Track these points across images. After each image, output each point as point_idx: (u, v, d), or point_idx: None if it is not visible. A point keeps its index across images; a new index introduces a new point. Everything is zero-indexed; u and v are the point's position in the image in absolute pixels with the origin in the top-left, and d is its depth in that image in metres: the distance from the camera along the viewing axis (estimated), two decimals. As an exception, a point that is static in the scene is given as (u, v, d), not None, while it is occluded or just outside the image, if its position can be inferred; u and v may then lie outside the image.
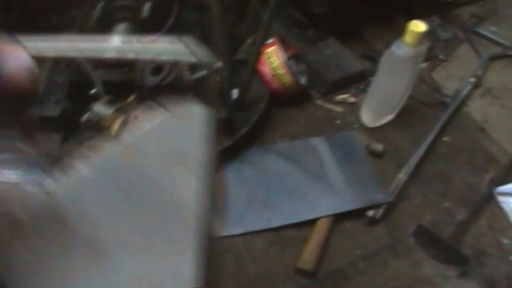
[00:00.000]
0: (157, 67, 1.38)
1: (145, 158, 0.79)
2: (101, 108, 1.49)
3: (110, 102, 1.47)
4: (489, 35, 2.17)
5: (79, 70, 1.52)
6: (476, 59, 2.08)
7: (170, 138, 0.85)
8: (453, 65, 2.05)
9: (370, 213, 1.54)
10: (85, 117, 1.47)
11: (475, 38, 2.17)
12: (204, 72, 1.45)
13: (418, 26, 1.55)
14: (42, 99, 1.50)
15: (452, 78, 2.00)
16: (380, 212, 1.54)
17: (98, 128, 1.50)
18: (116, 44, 1.02)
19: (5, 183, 0.57)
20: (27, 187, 0.64)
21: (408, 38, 1.55)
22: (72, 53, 0.51)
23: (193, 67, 1.52)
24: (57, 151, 1.50)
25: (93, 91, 1.50)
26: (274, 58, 1.68)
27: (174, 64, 1.39)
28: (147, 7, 1.61)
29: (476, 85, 1.98)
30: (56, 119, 1.48)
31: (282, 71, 1.68)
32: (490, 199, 1.67)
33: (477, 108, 1.93)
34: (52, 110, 1.49)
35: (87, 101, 1.52)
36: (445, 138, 1.80)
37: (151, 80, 1.44)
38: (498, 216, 1.66)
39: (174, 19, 1.65)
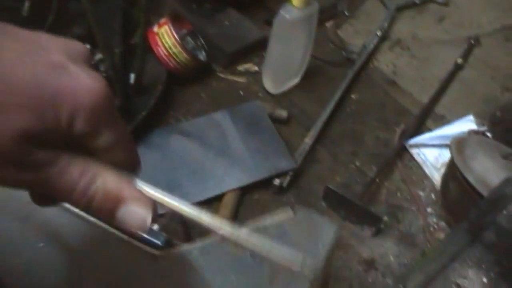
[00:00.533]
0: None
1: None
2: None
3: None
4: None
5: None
6: (383, 12, 2.05)
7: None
8: (359, 20, 2.01)
9: (277, 181, 1.50)
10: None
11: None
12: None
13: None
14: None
15: (359, 33, 1.96)
16: (287, 179, 1.51)
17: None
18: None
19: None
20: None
21: (295, 0, 1.51)
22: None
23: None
24: None
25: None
26: (167, 37, 1.63)
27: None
28: (26, 6, 1.56)
29: (384, 38, 1.95)
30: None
31: (177, 49, 1.63)
32: (402, 152, 1.65)
33: (386, 61, 1.90)
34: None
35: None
36: (353, 96, 1.77)
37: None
38: (412, 169, 1.64)
39: (55, 15, 1.60)
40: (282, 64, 1.67)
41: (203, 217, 0.48)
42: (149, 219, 0.45)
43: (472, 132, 1.62)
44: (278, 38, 1.60)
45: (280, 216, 0.85)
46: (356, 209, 1.48)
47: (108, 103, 0.41)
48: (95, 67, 1.46)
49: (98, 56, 1.45)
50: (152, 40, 1.66)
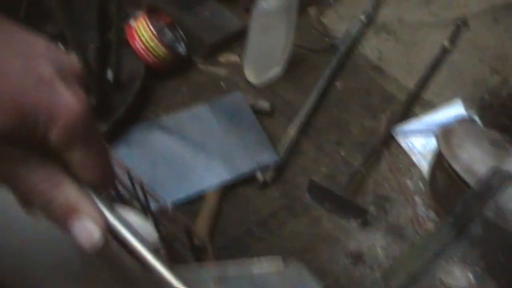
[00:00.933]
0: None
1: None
2: None
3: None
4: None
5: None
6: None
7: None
8: (344, 5, 1.96)
9: (259, 175, 1.47)
10: None
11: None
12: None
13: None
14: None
15: (343, 19, 1.92)
16: (270, 173, 1.48)
17: None
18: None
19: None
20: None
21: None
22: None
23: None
24: None
25: None
26: (143, 31, 1.59)
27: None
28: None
29: (369, 23, 1.90)
30: None
31: (154, 42, 1.58)
32: (389, 141, 1.62)
33: (371, 47, 1.86)
34: None
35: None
36: (338, 83, 1.73)
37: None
38: (399, 157, 1.61)
39: (25, 11, 1.55)
40: (263, 54, 1.63)
41: (157, 266, 0.46)
42: (98, 240, 0.45)
43: (460, 120, 1.57)
44: (258, 27, 1.56)
45: (269, 266, 0.82)
46: (340, 201, 1.45)
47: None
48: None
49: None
50: (129, 34, 1.61)
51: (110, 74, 1.54)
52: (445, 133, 1.44)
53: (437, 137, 1.44)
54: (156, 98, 1.64)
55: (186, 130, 1.55)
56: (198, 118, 1.57)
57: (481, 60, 1.84)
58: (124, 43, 1.57)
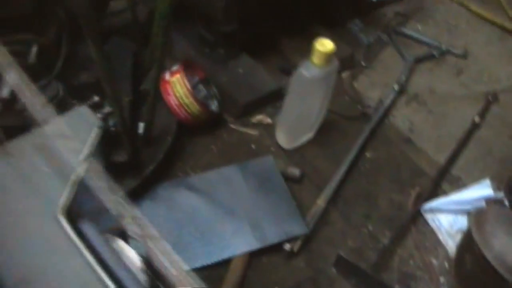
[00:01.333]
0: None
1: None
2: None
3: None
4: (415, 34, 2.09)
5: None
6: (401, 63, 2.00)
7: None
8: (376, 71, 1.96)
9: (287, 246, 1.45)
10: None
11: (400, 39, 2.08)
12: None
13: (325, 45, 1.45)
14: None
15: (376, 86, 1.91)
16: (298, 244, 1.46)
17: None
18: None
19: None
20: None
21: (315, 59, 1.46)
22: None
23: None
24: None
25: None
26: (179, 87, 1.58)
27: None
28: (33, 52, 1.50)
29: (401, 92, 1.90)
30: None
31: (188, 100, 1.57)
32: (417, 217, 1.60)
33: (402, 117, 1.85)
34: None
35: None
36: (368, 154, 1.72)
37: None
38: (425, 235, 1.59)
39: (63, 60, 1.54)
40: (298, 120, 1.62)
41: None
42: None
43: (490, 202, 1.56)
44: (296, 94, 1.55)
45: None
46: (367, 278, 1.43)
47: None
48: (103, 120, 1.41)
49: (107, 109, 1.40)
50: (163, 89, 1.61)
51: (141, 128, 1.53)
52: (478, 218, 1.43)
53: (469, 220, 1.44)
54: (185, 155, 1.63)
55: (214, 192, 1.54)
56: (228, 180, 1.56)
57: (510, 137, 1.84)
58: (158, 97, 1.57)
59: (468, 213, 1.58)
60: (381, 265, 1.49)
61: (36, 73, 1.39)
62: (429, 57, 2.03)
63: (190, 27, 1.82)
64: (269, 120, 1.74)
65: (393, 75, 1.95)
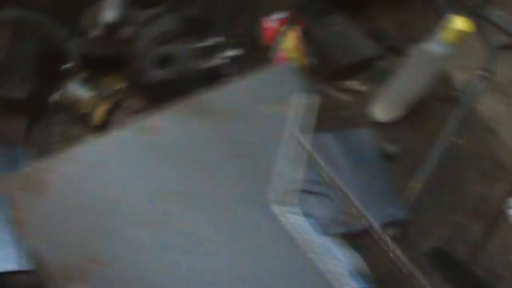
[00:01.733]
0: (164, 59, 1.16)
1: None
2: (77, 88, 1.23)
3: (88, 81, 1.22)
4: (496, 20, 2.00)
5: (51, 37, 1.24)
6: (483, 48, 1.91)
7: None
8: (461, 53, 1.87)
9: (391, 231, 1.37)
10: (56, 96, 1.20)
11: (482, 22, 1.99)
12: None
13: (465, 24, 1.36)
14: (6, 76, 1.21)
15: (461, 68, 1.83)
16: (399, 230, 1.38)
17: (72, 111, 1.24)
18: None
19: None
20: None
21: (450, 35, 1.36)
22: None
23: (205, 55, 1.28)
24: (22, 136, 1.23)
25: (67, 66, 1.23)
26: (289, 38, 1.45)
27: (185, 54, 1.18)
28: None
29: (486, 79, 1.83)
30: (22, 101, 1.21)
31: (297, 54, 1.45)
32: (502, 213, 1.56)
33: (486, 106, 1.78)
34: (18, 90, 1.20)
35: (59, 77, 1.24)
36: (455, 140, 1.65)
37: (156, 73, 1.19)
38: (510, 233, 1.54)
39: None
40: (405, 95, 1.53)
41: None
42: None
43: None
44: (414, 69, 1.46)
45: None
46: (463, 272, 1.38)
47: None
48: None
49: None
50: (267, 37, 1.47)
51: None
52: None
53: None
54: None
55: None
56: (324, 148, 1.45)
57: None
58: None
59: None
60: (471, 261, 1.44)
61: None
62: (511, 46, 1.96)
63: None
64: (363, 87, 1.63)
65: (477, 60, 1.86)
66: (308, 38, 1.55)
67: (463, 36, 1.36)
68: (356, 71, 1.65)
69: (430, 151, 1.56)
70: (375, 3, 1.80)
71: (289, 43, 1.44)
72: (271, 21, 1.47)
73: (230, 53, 1.28)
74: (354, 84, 1.63)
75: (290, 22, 1.45)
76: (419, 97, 1.57)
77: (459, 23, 1.35)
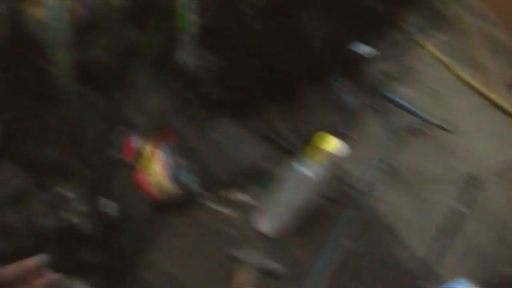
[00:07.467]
0: None
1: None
2: None
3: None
4: (402, 101, 1.98)
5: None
6: (385, 134, 1.89)
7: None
8: (361, 143, 1.84)
9: None
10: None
11: (386, 104, 1.97)
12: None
13: (331, 143, 1.33)
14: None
15: (360, 160, 1.79)
16: None
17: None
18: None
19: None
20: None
21: (318, 156, 1.33)
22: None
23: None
24: None
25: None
26: (153, 163, 1.40)
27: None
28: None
29: (385, 170, 1.80)
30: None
31: (164, 179, 1.40)
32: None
33: (385, 199, 1.75)
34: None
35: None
36: (351, 245, 1.61)
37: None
38: None
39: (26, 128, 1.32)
40: (290, 211, 1.49)
41: None
42: None
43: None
44: (294, 191, 1.43)
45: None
46: None
47: None
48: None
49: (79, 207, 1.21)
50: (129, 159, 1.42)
51: (113, 210, 1.35)
52: None
53: None
54: (156, 243, 1.45)
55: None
56: None
57: (497, 233, 1.79)
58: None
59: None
60: None
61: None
62: (413, 129, 1.94)
63: (165, 77, 1.61)
64: (247, 199, 1.59)
65: (376, 147, 1.84)
66: (184, 151, 1.50)
67: (331, 156, 1.32)
68: (241, 180, 1.61)
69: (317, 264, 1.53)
70: (266, 100, 1.76)
71: (155, 170, 1.39)
72: (134, 140, 1.42)
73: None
74: (241, 196, 1.59)
75: (156, 146, 1.41)
76: (306, 209, 1.53)
77: (326, 143, 1.32)
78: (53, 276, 0.93)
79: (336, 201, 1.68)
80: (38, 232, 1.18)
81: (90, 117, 1.40)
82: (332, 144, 1.33)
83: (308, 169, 1.35)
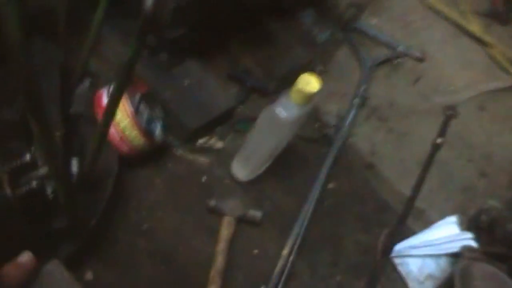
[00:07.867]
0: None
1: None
2: None
3: None
4: (371, 32, 1.91)
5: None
6: (358, 67, 1.82)
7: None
8: (333, 77, 1.77)
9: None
10: None
11: (355, 36, 1.90)
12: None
13: (310, 83, 1.25)
14: None
15: (334, 96, 1.73)
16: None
17: None
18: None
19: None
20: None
21: (297, 98, 1.26)
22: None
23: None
24: None
25: None
26: (120, 115, 1.30)
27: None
28: None
29: (361, 105, 1.73)
30: None
31: (133, 132, 1.31)
32: (385, 262, 1.49)
33: (363, 137, 1.71)
34: None
35: None
36: (331, 185, 1.57)
37: None
38: (396, 282, 1.50)
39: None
40: (263, 154, 1.43)
41: None
42: None
43: (465, 252, 1.48)
44: (266, 132, 1.37)
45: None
46: None
47: None
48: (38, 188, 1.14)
49: (42, 171, 1.12)
50: (97, 112, 1.33)
51: (74, 166, 1.25)
52: (463, 276, 1.36)
53: (454, 279, 1.36)
54: (126, 194, 1.38)
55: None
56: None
57: (469, 160, 1.76)
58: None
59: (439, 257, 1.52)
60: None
61: None
62: (386, 61, 1.87)
63: (124, 21, 1.48)
64: (220, 144, 1.52)
65: (351, 82, 1.78)
66: (152, 99, 1.41)
67: (310, 96, 1.25)
68: (211, 128, 1.53)
69: (301, 206, 1.48)
70: (236, 41, 1.67)
71: (123, 123, 1.30)
72: (102, 92, 1.32)
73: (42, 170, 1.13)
74: (211, 142, 1.52)
75: (120, 87, 1.30)
76: (282, 149, 1.46)
77: (305, 83, 1.23)
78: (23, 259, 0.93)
79: (314, 141, 1.62)
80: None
81: (46, 71, 1.29)
82: (306, 82, 1.25)
83: (283, 110, 1.28)
